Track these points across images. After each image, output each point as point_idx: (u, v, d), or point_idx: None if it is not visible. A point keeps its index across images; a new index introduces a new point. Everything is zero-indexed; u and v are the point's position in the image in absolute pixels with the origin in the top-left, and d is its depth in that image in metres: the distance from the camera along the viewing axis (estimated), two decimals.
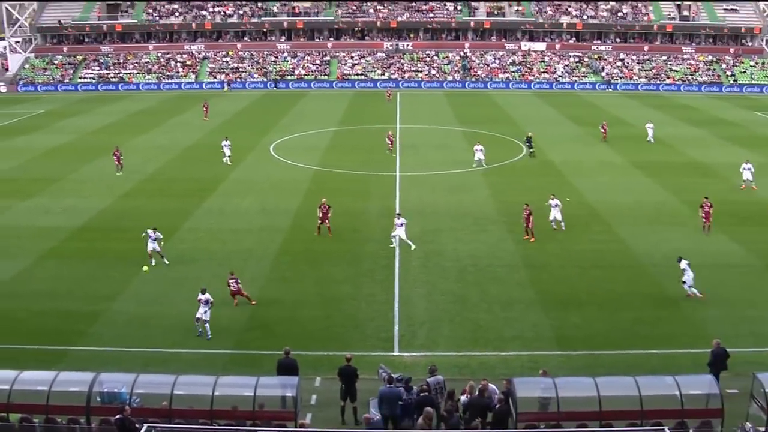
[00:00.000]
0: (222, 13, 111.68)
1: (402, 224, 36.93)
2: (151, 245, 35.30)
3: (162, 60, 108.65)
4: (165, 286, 32.82)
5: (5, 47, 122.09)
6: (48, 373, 22.13)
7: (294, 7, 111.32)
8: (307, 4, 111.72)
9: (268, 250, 37.14)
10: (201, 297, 28.35)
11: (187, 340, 27.81)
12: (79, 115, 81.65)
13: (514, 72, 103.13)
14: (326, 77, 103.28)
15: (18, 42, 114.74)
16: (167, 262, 35.17)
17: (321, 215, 38.84)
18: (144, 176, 52.57)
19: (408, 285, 32.66)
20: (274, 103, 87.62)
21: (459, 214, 42.72)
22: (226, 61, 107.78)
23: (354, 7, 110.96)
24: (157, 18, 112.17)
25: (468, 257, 35.97)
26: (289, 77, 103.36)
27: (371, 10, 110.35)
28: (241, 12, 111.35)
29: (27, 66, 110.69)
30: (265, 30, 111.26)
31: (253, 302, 30.90)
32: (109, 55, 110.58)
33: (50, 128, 73.27)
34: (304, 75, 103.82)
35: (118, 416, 19.91)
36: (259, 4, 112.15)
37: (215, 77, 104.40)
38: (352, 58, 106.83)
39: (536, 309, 30.15)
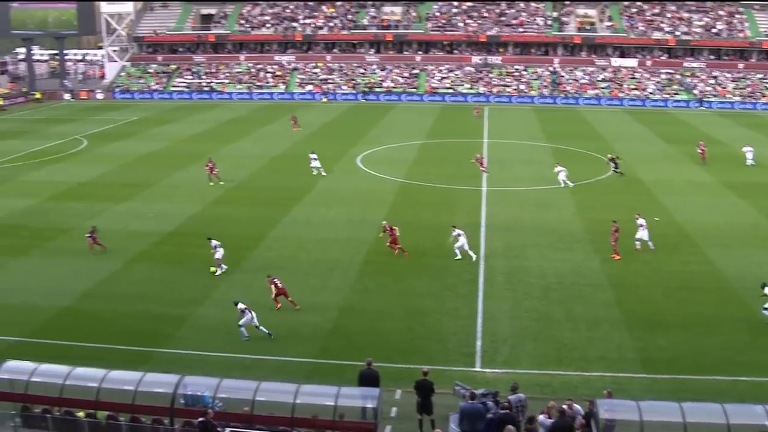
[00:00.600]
0: (312, 25, 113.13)
1: (460, 234, 37.41)
2: (219, 252, 35.98)
3: (253, 70, 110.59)
4: (250, 293, 33.26)
5: (103, 56, 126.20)
6: (135, 374, 22.67)
7: (383, 20, 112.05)
8: (397, 17, 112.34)
9: (353, 260, 37.35)
10: (242, 306, 29.08)
11: (270, 347, 28.15)
12: (172, 122, 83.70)
13: (603, 88, 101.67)
14: (414, 90, 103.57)
15: (115, 51, 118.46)
16: (222, 269, 35.80)
17: (390, 240, 38.23)
18: (233, 184, 53.51)
19: (492, 300, 32.42)
20: (362, 114, 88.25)
21: (545, 230, 42.25)
22: (316, 73, 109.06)
23: (443, 21, 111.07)
24: (249, 29, 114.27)
25: (553, 274, 35.53)
26: (377, 89, 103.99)
27: (461, 24, 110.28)
28: (331, 24, 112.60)
29: (123, 74, 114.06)
30: (354, 42, 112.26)
31: (297, 307, 31.45)
32: (202, 65, 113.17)
33: (144, 135, 75.30)
34: (393, 87, 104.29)
35: (200, 419, 20.25)
36: (349, 17, 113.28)
37: (304, 88, 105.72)
38: (440, 71, 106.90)
39: (621, 329, 29.57)
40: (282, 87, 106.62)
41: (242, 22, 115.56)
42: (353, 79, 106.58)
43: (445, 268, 36.29)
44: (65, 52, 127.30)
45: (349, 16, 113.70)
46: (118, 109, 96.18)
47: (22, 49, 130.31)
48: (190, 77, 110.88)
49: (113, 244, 39.87)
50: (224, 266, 35.93)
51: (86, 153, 66.33)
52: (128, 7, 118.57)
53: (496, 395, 21.25)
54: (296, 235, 41.07)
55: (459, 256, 37.35)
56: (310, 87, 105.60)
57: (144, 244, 39.90)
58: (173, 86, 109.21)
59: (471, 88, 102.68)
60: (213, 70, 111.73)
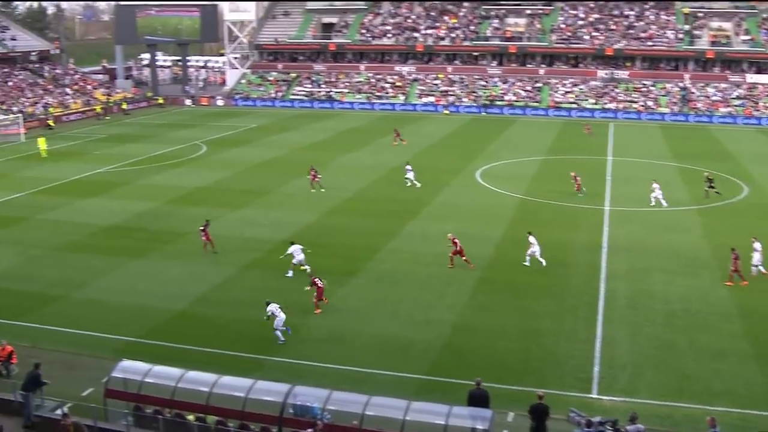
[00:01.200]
0: (434, 36, 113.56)
1: (534, 243, 38.64)
2: (298, 257, 37.39)
3: (372, 80, 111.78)
4: (364, 304, 33.58)
5: (224, 63, 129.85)
6: (246, 380, 23.17)
7: (506, 32, 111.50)
8: (521, 29, 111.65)
9: (469, 276, 37.21)
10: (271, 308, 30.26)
11: (380, 361, 28.29)
12: (290, 130, 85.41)
13: (737, 106, 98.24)
14: (537, 104, 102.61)
15: (236, 58, 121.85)
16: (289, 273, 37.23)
17: (455, 251, 38.57)
18: (349, 194, 54.15)
19: (612, 325, 31.75)
20: (482, 128, 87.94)
21: (670, 254, 41.11)
22: (436, 84, 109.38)
23: (569, 33, 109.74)
24: (370, 39, 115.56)
25: (678, 301, 34.52)
26: (498, 102, 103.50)
27: (586, 37, 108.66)
28: (453, 35, 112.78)
29: (243, 81, 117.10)
30: (476, 54, 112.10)
31: (326, 300, 33.22)
32: (322, 73, 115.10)
33: (262, 142, 77.10)
34: (514, 101, 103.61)
35: (309, 430, 20.51)
36: (471, 28, 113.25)
37: (423, 99, 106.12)
38: (564, 85, 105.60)
39: (750, 363, 28.45)
40: (401, 98, 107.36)
41: (363, 31, 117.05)
42: (474, 92, 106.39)
43: (565, 289, 35.75)
44: (187, 58, 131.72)
45: (472, 27, 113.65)
46: (238, 116, 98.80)
47: (147, 55, 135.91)
48: (310, 86, 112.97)
49: (228, 250, 40.94)
50: (291, 273, 37.31)
51: (205, 158, 68.39)
52: (250, 15, 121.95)
53: (616, 424, 20.77)
54: (412, 249, 41.21)
55: (527, 263, 38.58)
56: (431, 98, 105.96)
57: (258, 252, 40.81)
58: (293, 94, 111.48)
59: (596, 104, 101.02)
60: (332, 79, 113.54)
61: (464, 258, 38.47)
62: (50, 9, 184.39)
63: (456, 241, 38.86)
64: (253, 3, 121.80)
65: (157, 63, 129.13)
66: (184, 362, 26.03)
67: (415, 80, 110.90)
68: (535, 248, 38.57)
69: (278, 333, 29.97)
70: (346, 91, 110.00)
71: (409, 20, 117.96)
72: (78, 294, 35.59)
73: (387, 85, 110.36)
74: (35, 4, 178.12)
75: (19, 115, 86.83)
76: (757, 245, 37.79)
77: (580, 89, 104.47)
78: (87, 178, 60.43)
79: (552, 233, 43.89)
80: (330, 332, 30.89)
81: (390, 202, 52.06)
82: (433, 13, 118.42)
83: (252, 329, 31.13)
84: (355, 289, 35.77)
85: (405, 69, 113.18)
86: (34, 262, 40.25)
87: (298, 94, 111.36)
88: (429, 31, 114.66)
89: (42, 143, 72.14)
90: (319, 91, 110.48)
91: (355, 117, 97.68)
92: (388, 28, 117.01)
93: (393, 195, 54.04)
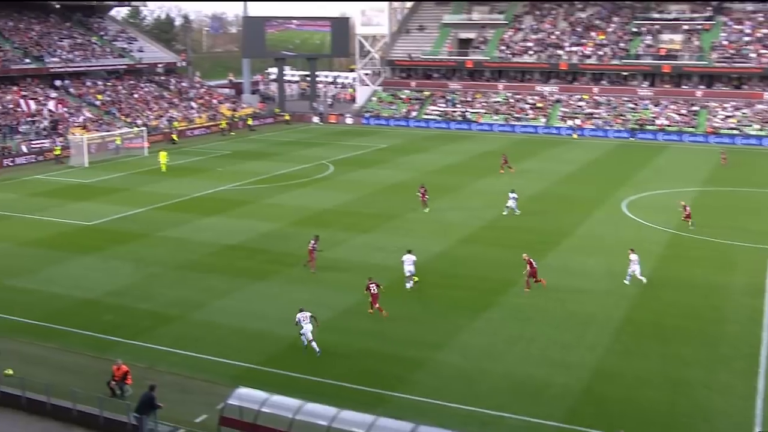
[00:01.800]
0: (579, 54, 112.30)
1: (636, 261, 40.41)
2: (408, 267, 39.62)
3: (511, 100, 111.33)
4: (496, 341, 33.29)
5: (354, 79, 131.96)
6: (367, 416, 23.30)
7: (660, 49, 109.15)
8: (677, 46, 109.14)
9: (612, 317, 36.41)
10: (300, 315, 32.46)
11: (512, 404, 27.95)
12: (422, 152, 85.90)
13: None
14: (693, 129, 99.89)
15: (367, 74, 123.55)
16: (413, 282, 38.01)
17: (530, 273, 39.80)
18: (483, 222, 53.90)
19: None
20: (631, 154, 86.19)
21: None
22: (580, 106, 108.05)
23: (732, 51, 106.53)
24: (510, 56, 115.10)
25: None
26: (649, 127, 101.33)
27: (752, 55, 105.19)
28: (600, 53, 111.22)
29: (374, 99, 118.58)
30: (625, 73, 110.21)
31: (385, 313, 34.16)
32: (457, 92, 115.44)
33: (392, 164, 77.80)
34: (667, 125, 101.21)
35: None
36: (621, 45, 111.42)
37: (566, 122, 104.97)
38: (724, 108, 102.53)
39: None
40: (542, 120, 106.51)
41: (502, 47, 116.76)
42: (622, 115, 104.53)
43: (719, 336, 34.51)
44: (316, 73, 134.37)
45: (621, 45, 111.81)
46: (368, 135, 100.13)
47: (274, 69, 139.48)
48: (444, 105, 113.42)
49: (353, 275, 41.31)
50: (411, 283, 39.86)
51: (332, 179, 69.52)
52: (383, 29, 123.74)
53: None
54: (549, 283, 40.62)
55: (627, 282, 40.51)
56: (577, 120, 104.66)
57: (384, 280, 40.99)
58: (425, 114, 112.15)
59: (761, 130, 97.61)
60: (468, 99, 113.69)
61: (537, 280, 39.81)
62: (177, 20, 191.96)
63: (531, 261, 39.89)
64: (387, 17, 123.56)
65: (284, 78, 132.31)
66: (303, 393, 26.41)
67: (558, 101, 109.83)
68: (635, 267, 40.25)
69: (312, 344, 31.82)
70: (483, 111, 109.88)
71: (553, 36, 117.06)
72: (196, 315, 36.64)
73: (527, 106, 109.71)
74: (163, 15, 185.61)
75: (144, 128, 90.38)
76: None
77: (743, 113, 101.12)
78: (209, 195, 62.35)
79: (706, 273, 42.53)
80: (458, 369, 30.72)
81: (528, 231, 51.52)
82: (578, 29, 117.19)
83: (375, 362, 31.33)
84: (487, 323, 35.50)
85: (546, 89, 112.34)
86: (152, 280, 41.70)
87: (431, 114, 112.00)
88: (574, 48, 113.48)
89: (163, 157, 74.86)
90: (454, 111, 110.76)
91: (493, 139, 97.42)
92: (530, 44, 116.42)
93: (531, 224, 53.45)
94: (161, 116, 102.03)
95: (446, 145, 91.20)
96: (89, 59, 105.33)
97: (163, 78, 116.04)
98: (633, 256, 40.60)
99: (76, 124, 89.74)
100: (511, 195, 56.59)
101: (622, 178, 70.18)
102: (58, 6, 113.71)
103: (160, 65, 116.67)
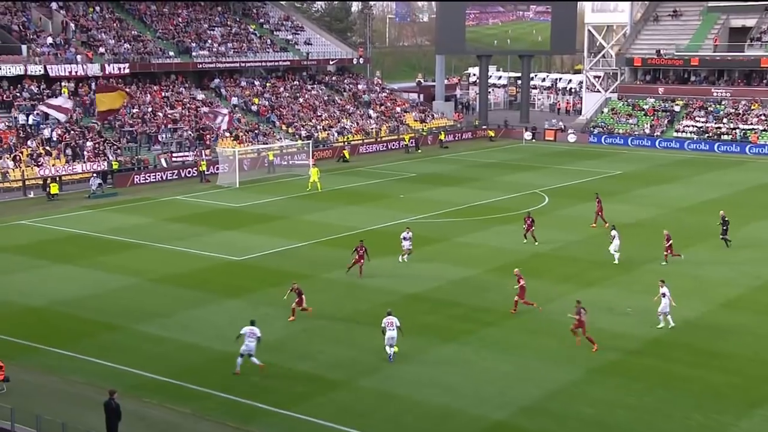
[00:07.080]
0: None
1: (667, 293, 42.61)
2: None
3: None
4: None
5: (580, 82, 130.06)
6: None
7: None
8: None
9: None
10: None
11: None
12: (672, 182, 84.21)
13: None
14: None
15: (598, 77, 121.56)
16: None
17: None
18: (757, 281, 51.64)
19: None
20: None
21: None
22: None
23: None
24: None
25: None
26: None
27: None
28: None
29: (606, 110, 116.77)
30: None
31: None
32: (724, 102, 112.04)
33: (627, 196, 76.51)
34: None
35: None
36: None
37: None
38: None
39: None
40: None
41: None
42: None
43: None
44: (531, 75, 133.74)
45: None
46: (596, 158, 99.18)
47: (475, 70, 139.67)
48: (704, 119, 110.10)
49: (569, 342, 40.51)
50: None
51: (546, 213, 68.84)
52: (623, 17, 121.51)
53: None
54: None
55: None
56: None
57: (616, 351, 40.04)
58: (675, 132, 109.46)
59: None
60: (740, 111, 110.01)
61: (524, 301, 44.06)
62: (354, 6, 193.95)
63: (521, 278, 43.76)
64: (628, 3, 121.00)
65: (489, 81, 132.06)
66: None
67: None
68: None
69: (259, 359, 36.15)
70: (761, 128, 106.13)
71: None
72: (365, 382, 36.85)
73: None
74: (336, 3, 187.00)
75: (309, 141, 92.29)
76: None
77: None
78: (386, 229, 62.72)
79: None
80: None
81: None
82: None
83: None
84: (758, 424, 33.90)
85: None
86: (312, 334, 42.28)
87: (684, 131, 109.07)
88: None
89: (314, 174, 76.75)
90: (720, 128, 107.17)
91: None
92: None
93: None
94: (331, 126, 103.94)
95: (707, 174, 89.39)
96: (245, 53, 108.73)
97: (334, 78, 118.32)
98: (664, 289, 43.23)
99: (226, 135, 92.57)
100: (613, 233, 54.59)
101: None
102: None
103: (331, 62, 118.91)
